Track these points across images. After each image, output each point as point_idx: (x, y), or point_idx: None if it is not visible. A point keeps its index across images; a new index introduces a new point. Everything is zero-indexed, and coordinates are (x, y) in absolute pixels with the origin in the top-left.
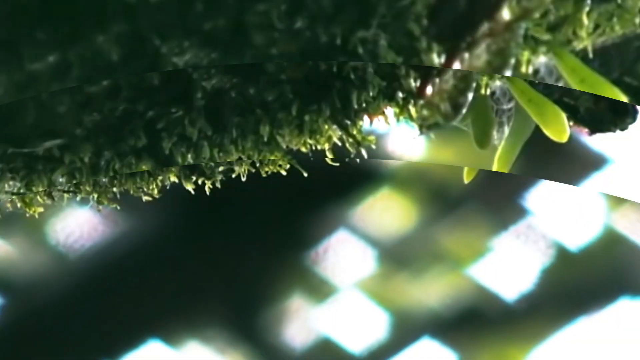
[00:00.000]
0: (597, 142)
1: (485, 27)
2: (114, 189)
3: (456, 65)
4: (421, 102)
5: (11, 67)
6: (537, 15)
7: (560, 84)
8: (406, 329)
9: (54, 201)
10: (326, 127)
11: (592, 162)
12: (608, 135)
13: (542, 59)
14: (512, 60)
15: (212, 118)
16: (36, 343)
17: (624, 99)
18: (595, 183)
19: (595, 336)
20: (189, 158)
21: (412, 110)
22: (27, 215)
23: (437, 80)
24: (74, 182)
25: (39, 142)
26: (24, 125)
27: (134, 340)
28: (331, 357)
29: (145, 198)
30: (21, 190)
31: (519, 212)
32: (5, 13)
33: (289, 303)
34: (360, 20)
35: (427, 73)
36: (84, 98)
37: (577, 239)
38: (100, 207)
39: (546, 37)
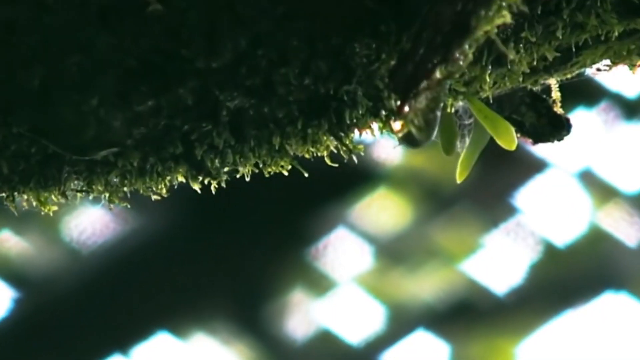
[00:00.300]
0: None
1: (424, 83)
2: (125, 189)
3: (406, 108)
4: (400, 118)
5: (125, 109)
6: (457, 76)
7: (471, 120)
8: (402, 321)
9: (68, 200)
10: (325, 138)
11: (535, 166)
12: (547, 144)
13: (460, 103)
14: (442, 104)
15: (235, 131)
16: (50, 335)
17: (511, 129)
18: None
19: (581, 328)
20: (216, 163)
21: (393, 125)
22: (42, 213)
23: (413, 101)
24: (125, 182)
25: (98, 150)
26: (85, 137)
27: (143, 332)
28: (331, 348)
29: (154, 197)
30: (84, 189)
31: (509, 211)
32: (122, 75)
33: (290, 297)
34: (345, 78)
35: (405, 95)
36: (135, 116)
37: (564, 235)
38: (112, 205)
39: (463, 89)
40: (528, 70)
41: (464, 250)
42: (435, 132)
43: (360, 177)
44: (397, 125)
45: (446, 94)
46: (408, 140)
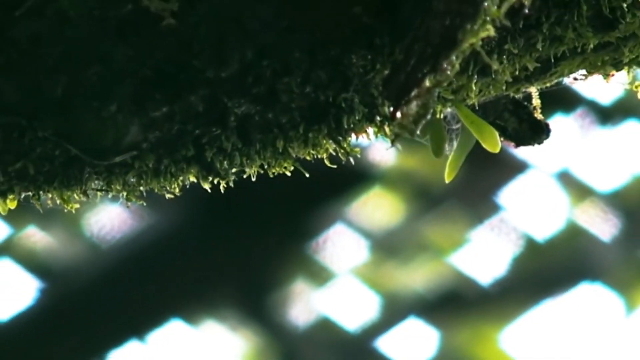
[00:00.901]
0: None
1: (415, 91)
2: (141, 188)
3: (398, 114)
4: (393, 123)
5: (141, 115)
6: (445, 84)
7: (458, 125)
8: (395, 310)
9: (89, 198)
10: (324, 141)
11: (517, 167)
12: (528, 147)
13: (448, 109)
14: (431, 110)
15: (242, 135)
16: (72, 321)
17: (495, 133)
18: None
19: (559, 316)
20: (225, 164)
21: (387, 129)
22: (65, 210)
23: (405, 107)
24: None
25: (116, 156)
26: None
27: (157, 319)
28: (330, 334)
29: (167, 195)
30: (104, 188)
31: (493, 208)
32: (138, 84)
33: (293, 287)
34: (343, 87)
35: (398, 102)
36: (150, 121)
37: (544, 231)
38: (129, 203)
39: (451, 97)
40: (511, 80)
41: (452, 244)
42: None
43: (356, 177)
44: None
45: (435, 101)
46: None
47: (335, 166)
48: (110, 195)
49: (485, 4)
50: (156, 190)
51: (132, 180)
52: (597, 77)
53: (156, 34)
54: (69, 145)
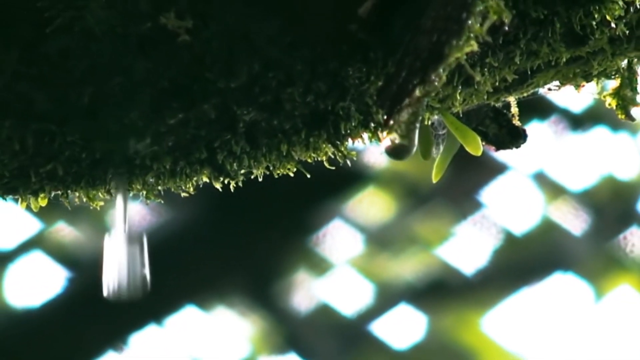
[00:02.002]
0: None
1: (406, 101)
2: (159, 187)
3: (391, 121)
4: (386, 129)
5: (157, 122)
6: (433, 94)
7: (444, 131)
8: (387, 297)
9: (112, 196)
10: (324, 145)
11: (497, 168)
12: (507, 151)
13: (435, 117)
14: (420, 117)
15: (250, 140)
16: (97, 307)
17: (478, 138)
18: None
19: (535, 302)
20: (235, 166)
21: (380, 135)
22: (91, 207)
23: (396, 115)
24: (160, 182)
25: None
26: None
27: (174, 306)
28: (329, 319)
29: (183, 194)
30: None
31: (476, 205)
32: (156, 94)
33: (295, 276)
34: (341, 96)
35: (390, 111)
36: (167, 127)
37: (521, 226)
38: (148, 201)
39: (438, 105)
40: (491, 90)
41: (439, 238)
42: (414, 150)
43: (353, 177)
44: (384, 137)
45: (424, 109)
46: (394, 154)
47: (333, 168)
48: (131, 194)
49: (469, 22)
50: (172, 189)
51: (151, 180)
52: (569, 88)
53: (173, 49)
54: (94, 149)
